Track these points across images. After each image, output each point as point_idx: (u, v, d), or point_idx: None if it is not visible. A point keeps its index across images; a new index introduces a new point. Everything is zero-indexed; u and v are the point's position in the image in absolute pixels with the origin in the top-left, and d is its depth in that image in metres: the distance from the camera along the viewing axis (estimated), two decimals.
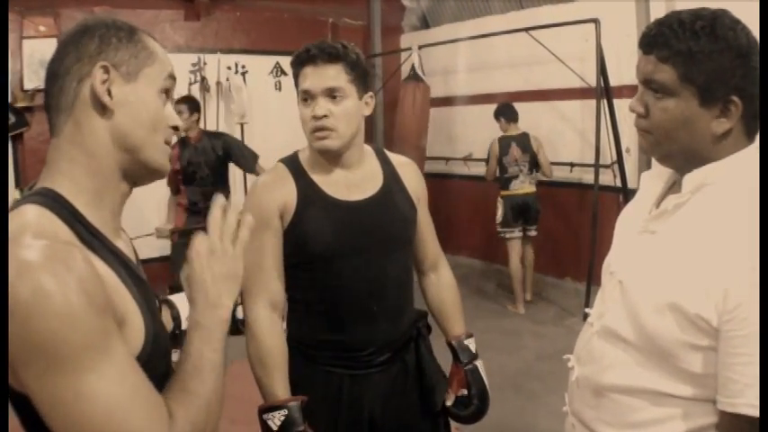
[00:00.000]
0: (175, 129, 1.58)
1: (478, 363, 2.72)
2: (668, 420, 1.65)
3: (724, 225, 1.53)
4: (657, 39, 1.62)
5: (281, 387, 2.41)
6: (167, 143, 1.56)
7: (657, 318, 1.60)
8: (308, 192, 2.47)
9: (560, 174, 8.26)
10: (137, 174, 1.54)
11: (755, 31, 1.61)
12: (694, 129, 1.60)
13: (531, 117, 8.28)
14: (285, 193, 2.46)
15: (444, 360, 2.79)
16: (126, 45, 1.48)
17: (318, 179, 2.50)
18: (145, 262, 1.69)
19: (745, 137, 1.61)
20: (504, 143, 7.97)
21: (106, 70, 1.43)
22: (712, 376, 1.53)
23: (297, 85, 2.46)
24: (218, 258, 1.55)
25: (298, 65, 2.44)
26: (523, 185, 7.94)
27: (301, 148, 2.61)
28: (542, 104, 8.56)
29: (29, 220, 1.31)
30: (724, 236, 1.51)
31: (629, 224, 1.91)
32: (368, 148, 2.64)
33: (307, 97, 2.41)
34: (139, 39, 1.51)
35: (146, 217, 7.41)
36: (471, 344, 2.75)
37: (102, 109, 1.44)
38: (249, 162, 7.17)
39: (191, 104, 7.14)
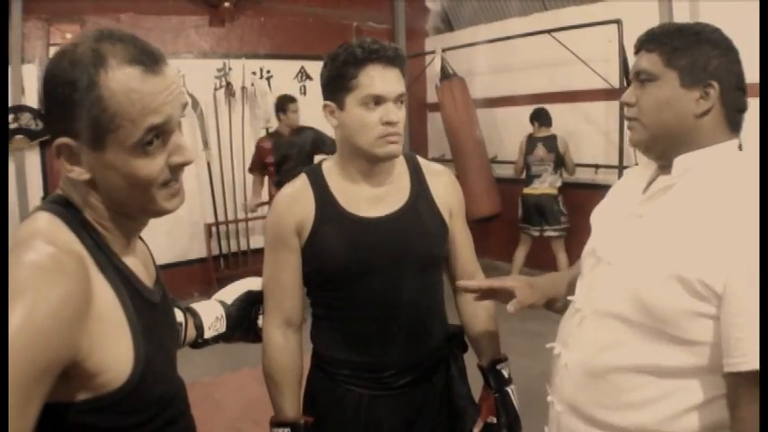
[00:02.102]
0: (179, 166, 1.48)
1: (510, 389, 2.52)
2: (667, 397, 1.71)
3: (719, 200, 1.67)
4: (646, 38, 1.85)
5: (288, 405, 2.40)
6: (167, 183, 1.47)
7: (658, 291, 1.68)
8: (325, 207, 2.37)
9: (585, 175, 8.22)
10: (130, 212, 1.51)
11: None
12: (678, 108, 1.78)
13: (555, 119, 8.23)
14: (303, 210, 2.37)
15: (481, 381, 2.58)
16: (81, 112, 1.34)
17: (339, 193, 2.39)
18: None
19: (726, 123, 1.80)
20: (532, 142, 8.13)
21: (67, 148, 1.38)
22: (714, 345, 1.62)
23: (347, 86, 2.26)
24: None
25: (355, 64, 2.24)
26: (543, 185, 8.03)
27: (327, 158, 2.50)
28: (566, 106, 8.53)
29: (40, 226, 1.35)
30: (721, 209, 1.64)
31: (610, 213, 2.05)
32: (399, 158, 2.46)
33: (374, 101, 2.24)
34: (96, 96, 1.34)
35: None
36: (505, 368, 2.54)
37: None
38: (333, 150, 7.27)
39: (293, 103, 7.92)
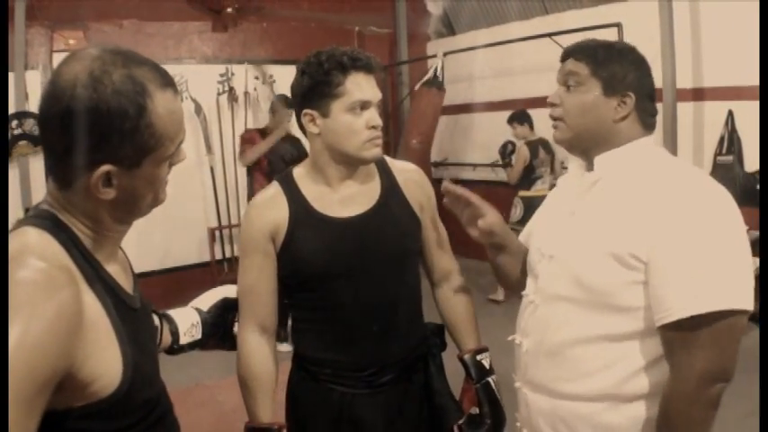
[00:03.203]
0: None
1: (491, 378, 2.57)
2: (618, 362, 1.97)
3: (639, 185, 1.95)
4: (577, 48, 2.13)
5: (262, 410, 2.41)
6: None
7: (597, 269, 1.95)
8: (299, 211, 2.41)
9: None
10: (135, 218, 1.58)
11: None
12: (599, 113, 2.05)
13: None
14: (276, 215, 2.40)
15: (461, 376, 2.62)
16: (130, 139, 1.38)
17: (312, 196, 2.43)
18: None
19: (640, 126, 2.08)
20: (533, 146, 8.15)
21: (107, 174, 1.40)
22: (648, 308, 1.89)
23: (333, 93, 2.30)
24: None
25: (341, 71, 2.29)
26: (544, 186, 8.09)
27: (297, 165, 2.54)
28: None
29: (30, 241, 1.37)
30: (642, 191, 1.92)
31: (548, 215, 2.33)
32: None
33: (359, 107, 2.31)
34: (146, 122, 1.40)
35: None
36: (485, 359, 2.60)
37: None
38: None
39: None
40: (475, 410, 2.52)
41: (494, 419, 2.50)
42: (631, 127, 2.06)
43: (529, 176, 8.19)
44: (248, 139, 7.38)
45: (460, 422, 2.50)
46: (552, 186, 7.81)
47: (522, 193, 8.14)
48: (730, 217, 1.85)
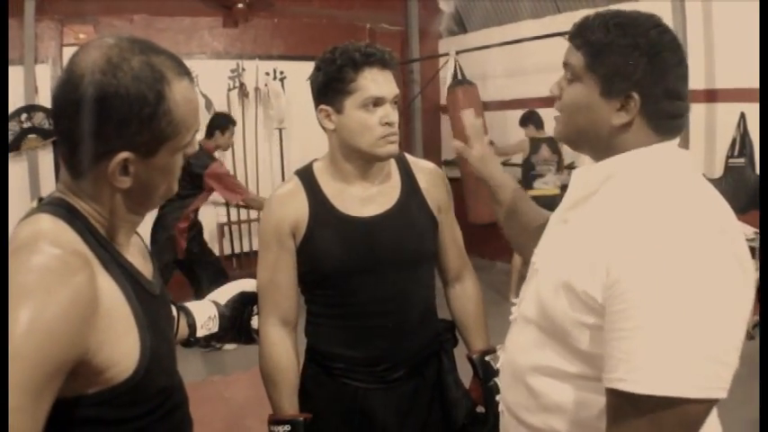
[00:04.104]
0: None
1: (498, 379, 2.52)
2: (578, 403, 1.65)
3: (617, 210, 1.56)
4: (577, 29, 1.74)
5: (287, 402, 2.43)
6: None
7: (553, 297, 1.64)
8: (319, 208, 2.41)
9: None
10: (148, 209, 1.59)
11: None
12: (595, 117, 1.68)
13: None
14: (296, 211, 2.41)
15: (470, 373, 2.66)
16: (148, 125, 1.39)
17: (332, 194, 2.43)
18: None
19: (652, 132, 1.66)
20: (536, 143, 8.19)
21: (124, 162, 1.39)
22: (601, 356, 1.51)
23: (346, 89, 2.30)
24: None
25: (354, 67, 2.28)
26: (547, 186, 8.08)
27: (318, 159, 2.54)
28: None
29: (44, 227, 1.36)
30: (614, 219, 1.54)
31: (553, 215, 1.97)
32: None
33: (373, 103, 2.30)
34: (164, 109, 1.40)
35: None
36: (494, 360, 2.56)
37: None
38: None
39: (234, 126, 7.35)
40: (481, 409, 2.56)
41: (498, 419, 2.45)
42: (638, 133, 1.65)
43: (527, 174, 8.20)
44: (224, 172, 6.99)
45: (466, 421, 2.53)
46: (561, 186, 7.84)
47: (530, 192, 8.01)
48: (720, 272, 1.39)
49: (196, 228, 7.04)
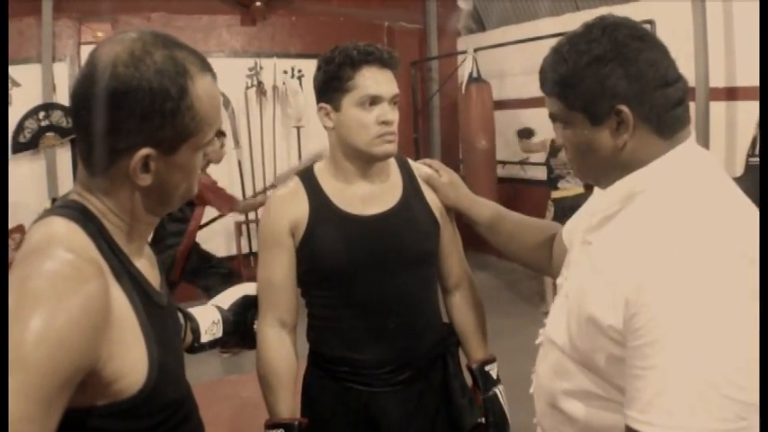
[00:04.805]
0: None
1: (498, 389, 2.55)
2: (613, 428, 1.51)
3: (636, 239, 1.45)
4: (541, 77, 1.66)
5: (282, 406, 2.40)
6: None
7: (580, 331, 1.56)
8: (320, 207, 2.39)
9: None
10: (166, 210, 1.57)
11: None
12: (598, 148, 1.58)
13: None
14: (297, 210, 2.39)
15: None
16: (171, 121, 1.37)
17: (333, 193, 2.42)
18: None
19: (656, 135, 1.55)
20: (555, 146, 8.07)
21: (146, 158, 1.37)
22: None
23: (343, 87, 2.30)
24: None
25: (351, 65, 2.28)
26: (570, 185, 7.97)
27: (319, 162, 2.52)
28: None
29: (57, 231, 1.34)
30: (633, 249, 1.44)
31: (576, 233, 1.86)
32: (391, 159, 2.49)
33: (370, 101, 2.28)
34: (188, 104, 1.38)
35: None
36: (493, 369, 2.58)
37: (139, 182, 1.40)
38: None
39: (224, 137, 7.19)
40: (481, 420, 2.53)
41: (498, 430, 2.50)
42: (646, 140, 1.54)
43: (549, 176, 8.16)
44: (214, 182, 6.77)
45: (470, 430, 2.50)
46: (580, 183, 7.81)
47: (554, 194, 8.03)
48: (738, 312, 1.30)
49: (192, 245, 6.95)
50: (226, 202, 6.85)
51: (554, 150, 7.97)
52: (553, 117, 1.67)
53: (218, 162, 6.83)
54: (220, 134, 7.00)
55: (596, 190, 1.82)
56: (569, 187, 7.88)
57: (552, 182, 8.05)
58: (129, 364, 1.35)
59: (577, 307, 1.58)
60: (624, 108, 1.50)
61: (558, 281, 1.85)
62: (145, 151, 1.35)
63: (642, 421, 1.34)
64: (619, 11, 6.71)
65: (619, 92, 1.50)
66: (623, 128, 1.53)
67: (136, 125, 1.33)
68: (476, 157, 9.22)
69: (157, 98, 1.33)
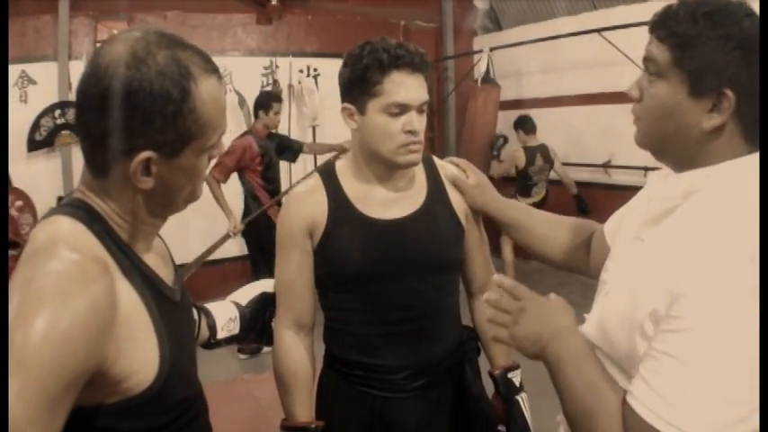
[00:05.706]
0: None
1: (521, 397, 2.49)
2: None
3: (690, 243, 1.37)
4: (660, 19, 1.52)
5: (299, 408, 2.37)
6: None
7: (619, 330, 1.50)
8: (339, 209, 2.30)
9: (634, 178, 8.03)
10: (170, 213, 1.54)
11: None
12: (682, 121, 1.47)
13: (603, 120, 8.22)
14: (315, 211, 2.30)
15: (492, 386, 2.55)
16: (172, 124, 1.34)
17: (353, 194, 2.33)
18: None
19: (742, 140, 1.46)
20: (530, 153, 8.30)
21: (147, 161, 1.35)
22: None
23: (370, 91, 2.17)
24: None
25: (380, 69, 2.15)
26: (540, 192, 8.36)
27: (340, 157, 2.44)
28: (615, 107, 8.39)
29: (62, 230, 1.33)
30: (685, 254, 1.36)
31: (624, 230, 1.77)
32: None
33: (397, 109, 2.16)
34: (190, 107, 1.35)
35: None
36: (516, 376, 2.51)
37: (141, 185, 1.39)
38: (294, 159, 7.70)
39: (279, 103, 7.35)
40: (502, 428, 2.47)
41: None
42: (731, 140, 1.46)
43: (525, 183, 8.33)
44: (248, 149, 6.96)
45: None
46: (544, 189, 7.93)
47: (523, 199, 8.12)
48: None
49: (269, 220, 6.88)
50: (214, 170, 6.75)
51: (530, 157, 8.22)
52: (650, 62, 1.53)
53: (274, 127, 7.23)
54: (273, 100, 7.22)
55: (650, 180, 1.73)
56: (540, 192, 8.27)
57: (527, 189, 8.29)
58: (139, 361, 1.34)
59: (620, 306, 1.51)
60: (729, 93, 1.41)
61: (602, 277, 1.77)
62: (146, 154, 1.33)
63: (642, 403, 1.33)
64: (637, 9, 6.72)
65: (732, 78, 1.41)
66: (717, 111, 1.43)
67: (136, 128, 1.31)
68: (468, 159, 9.16)
69: (158, 100, 1.31)
